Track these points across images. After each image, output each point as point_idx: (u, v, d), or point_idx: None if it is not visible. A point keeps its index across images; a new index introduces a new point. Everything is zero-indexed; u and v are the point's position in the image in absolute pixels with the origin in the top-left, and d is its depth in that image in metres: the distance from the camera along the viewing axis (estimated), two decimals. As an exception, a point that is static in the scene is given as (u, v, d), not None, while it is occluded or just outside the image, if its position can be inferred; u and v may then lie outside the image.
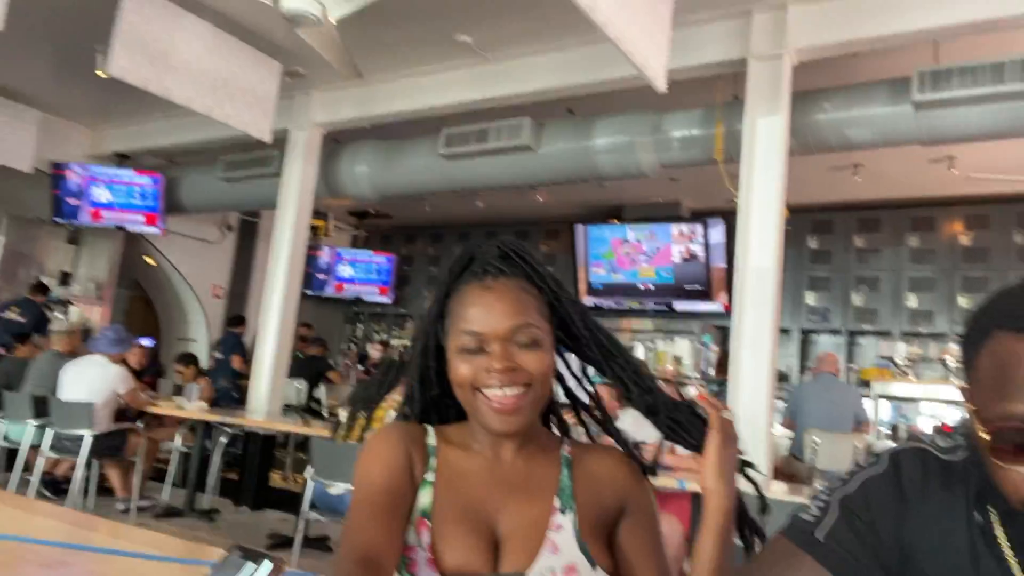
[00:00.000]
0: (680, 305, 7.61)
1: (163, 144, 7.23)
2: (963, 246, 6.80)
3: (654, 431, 3.81)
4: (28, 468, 5.16)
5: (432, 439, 1.02)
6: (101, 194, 7.56)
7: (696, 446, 1.01)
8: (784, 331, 7.17)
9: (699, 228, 7.33)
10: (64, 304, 7.81)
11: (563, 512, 0.97)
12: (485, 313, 0.96)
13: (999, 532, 0.76)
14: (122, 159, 7.86)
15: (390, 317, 10.04)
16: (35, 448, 4.98)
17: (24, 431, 4.93)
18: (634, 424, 4.41)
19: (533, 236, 8.94)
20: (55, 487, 5.31)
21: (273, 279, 6.03)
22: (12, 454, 5.15)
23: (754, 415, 3.94)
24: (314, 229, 7.56)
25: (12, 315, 6.65)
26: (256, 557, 0.41)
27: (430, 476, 0.98)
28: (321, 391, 7.43)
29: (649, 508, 1.03)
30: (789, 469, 5.38)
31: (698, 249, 7.35)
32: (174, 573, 1.00)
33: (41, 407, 4.96)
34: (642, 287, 7.75)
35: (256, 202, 7.29)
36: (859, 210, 7.24)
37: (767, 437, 3.94)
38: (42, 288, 7.19)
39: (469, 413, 0.98)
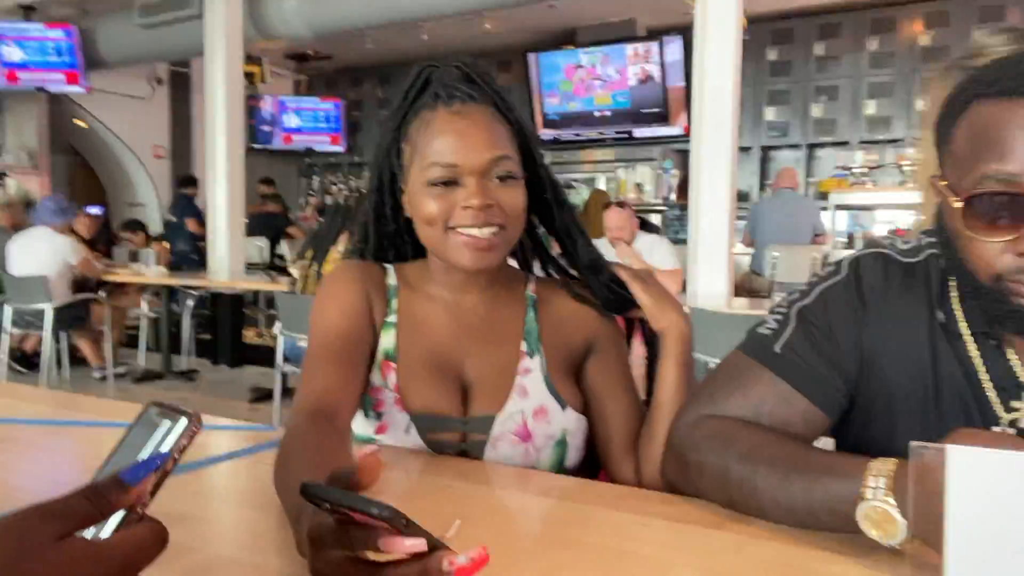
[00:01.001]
0: (639, 131, 7.46)
1: (69, -10, 6.56)
2: (922, 46, 6.64)
3: (667, 257, 3.85)
4: (-6, 346, 5.13)
5: (392, 279, 0.97)
6: (12, 53, 6.94)
7: (629, 299, 0.98)
8: (744, 149, 7.13)
9: (654, 47, 7.03)
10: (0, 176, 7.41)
11: (530, 356, 0.95)
12: (458, 142, 0.86)
13: (962, 325, 0.76)
14: (28, 11, 7.14)
15: (345, 166, 9.74)
16: (-3, 326, 4.92)
17: (-20, 310, 4.84)
18: (648, 249, 4.41)
19: (485, 68, 8.52)
20: (27, 362, 5.31)
21: (213, 133, 5.72)
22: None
23: (715, 236, 3.98)
24: (249, 76, 7.08)
25: (-58, 193, 6.31)
26: (173, 414, 0.41)
27: (392, 318, 0.95)
28: (283, 247, 7.34)
29: (616, 343, 1.01)
30: (750, 285, 5.55)
31: (654, 70, 7.09)
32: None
33: (-8, 284, 4.83)
34: (599, 115, 7.55)
35: (181, 50, 6.75)
36: (819, 15, 6.97)
37: (728, 256, 4.01)
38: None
39: (435, 251, 0.92)
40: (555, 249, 1.04)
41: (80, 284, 5.09)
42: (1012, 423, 0.73)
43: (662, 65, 7.03)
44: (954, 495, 0.42)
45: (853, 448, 0.80)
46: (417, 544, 0.47)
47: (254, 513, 0.76)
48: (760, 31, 6.94)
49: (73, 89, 7.19)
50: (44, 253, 4.80)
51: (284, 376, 3.78)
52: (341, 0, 5.61)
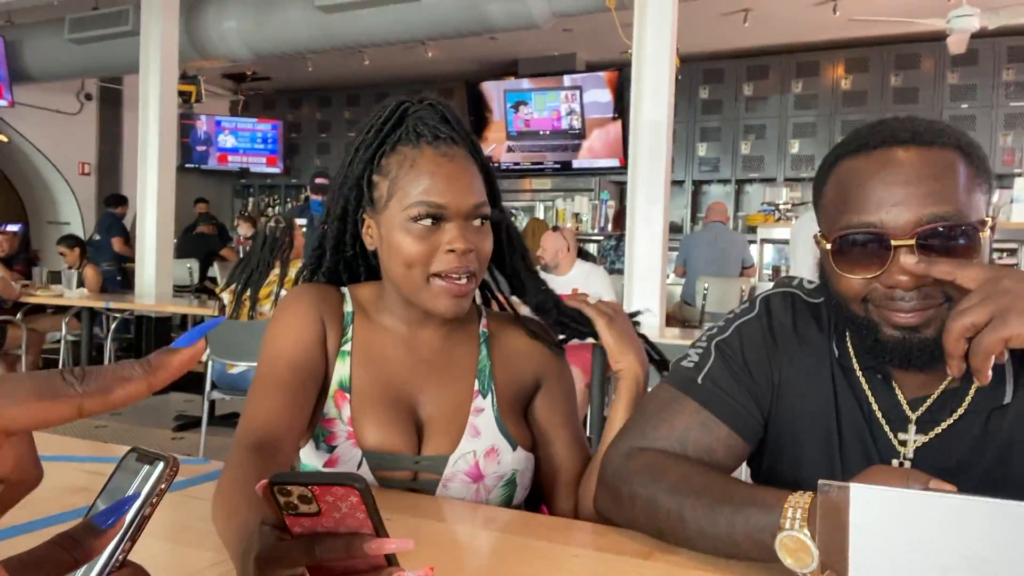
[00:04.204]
0: (578, 163, 7.65)
1: (-6, 1, 6.31)
2: (843, 90, 7.03)
3: (604, 287, 3.91)
4: None
5: (348, 305, 0.96)
6: (-72, 63, 6.63)
7: (589, 333, 1.01)
8: (677, 183, 7.36)
9: (577, 93, 7.41)
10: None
11: (483, 395, 0.95)
12: (447, 185, 0.86)
13: (854, 360, 0.82)
14: (-54, 20, 6.85)
15: (282, 188, 9.59)
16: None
17: None
18: (585, 277, 4.46)
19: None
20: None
21: (144, 152, 5.56)
22: None
23: (649, 267, 4.09)
24: (184, 95, 6.94)
25: None
26: (151, 459, 0.41)
27: (346, 347, 0.93)
28: (215, 270, 7.14)
29: (564, 378, 1.02)
30: (681, 314, 5.70)
31: (577, 108, 7.46)
32: (71, 473, 0.95)
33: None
34: (538, 144, 7.74)
35: (114, 66, 6.58)
36: (748, 57, 7.29)
37: (661, 286, 4.11)
38: None
39: (408, 294, 0.90)
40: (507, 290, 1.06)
41: (-6, 306, 4.85)
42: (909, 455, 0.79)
43: (581, 106, 7.42)
44: (857, 531, 0.45)
45: (766, 478, 0.85)
46: (404, 544, 0.48)
47: (188, 549, 0.74)
48: (693, 70, 7.22)
49: (-6, 102, 6.90)
50: (-44, 272, 4.56)
51: (212, 404, 3.67)
52: (282, 24, 5.57)
